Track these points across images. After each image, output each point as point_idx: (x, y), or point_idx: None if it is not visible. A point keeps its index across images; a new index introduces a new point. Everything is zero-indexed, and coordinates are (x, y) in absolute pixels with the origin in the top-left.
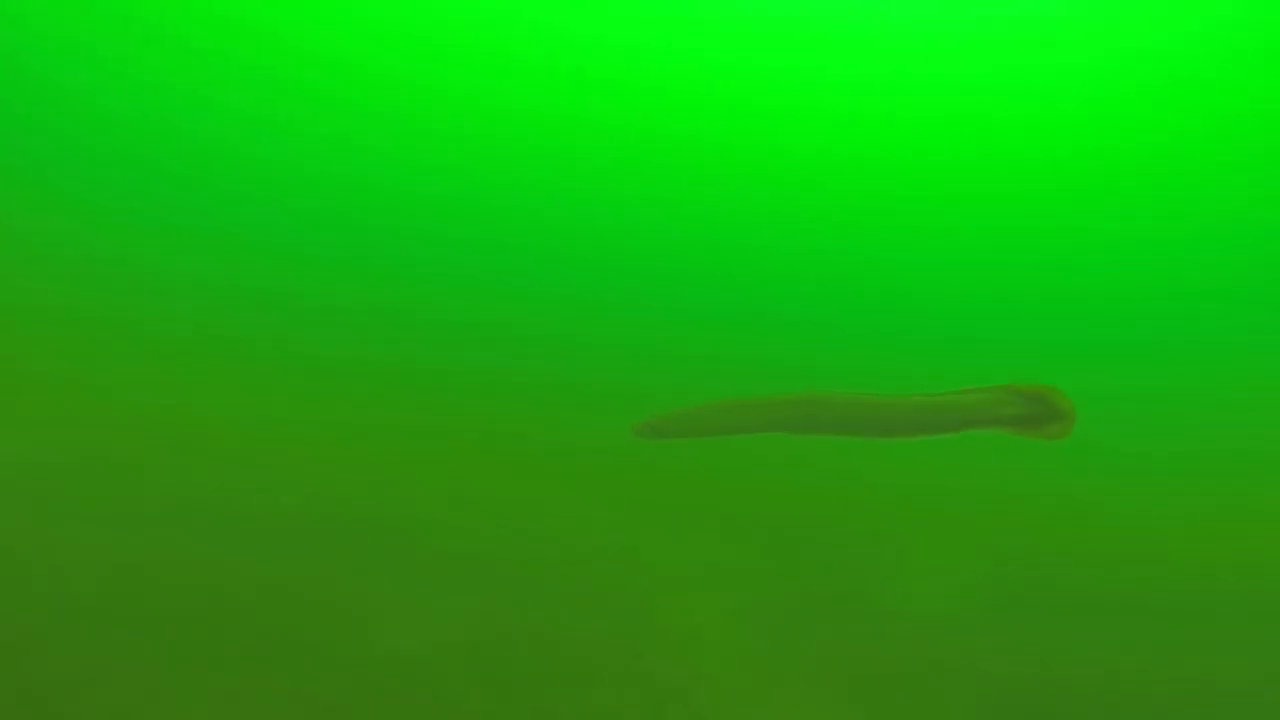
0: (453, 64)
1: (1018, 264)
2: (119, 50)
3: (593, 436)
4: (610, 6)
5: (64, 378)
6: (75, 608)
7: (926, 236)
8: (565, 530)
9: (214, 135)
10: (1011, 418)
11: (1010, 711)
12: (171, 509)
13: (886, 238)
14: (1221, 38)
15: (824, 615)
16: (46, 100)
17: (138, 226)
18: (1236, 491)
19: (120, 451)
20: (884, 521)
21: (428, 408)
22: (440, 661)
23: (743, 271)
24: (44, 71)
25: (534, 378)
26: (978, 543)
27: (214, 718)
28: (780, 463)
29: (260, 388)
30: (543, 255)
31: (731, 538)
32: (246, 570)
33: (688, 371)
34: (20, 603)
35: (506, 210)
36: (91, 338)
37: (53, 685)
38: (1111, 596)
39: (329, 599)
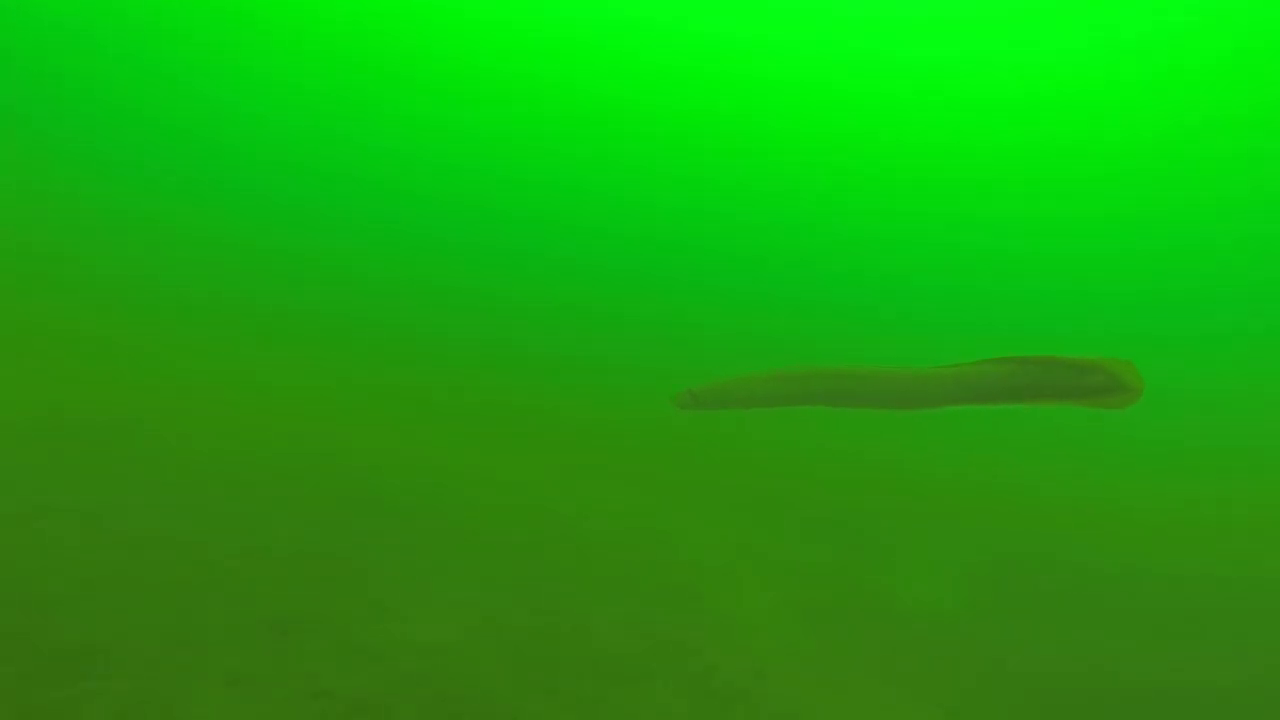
0: (489, 40)
1: (1037, 255)
2: (174, 26)
3: (625, 413)
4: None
5: (102, 337)
6: (94, 573)
7: (952, 227)
8: (603, 513)
9: (254, 107)
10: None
11: (1043, 701)
12: (203, 474)
13: (913, 226)
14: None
15: (868, 608)
16: (107, 73)
17: (177, 190)
18: (1241, 487)
19: (156, 413)
20: (910, 506)
21: (462, 383)
22: (472, 651)
23: (778, 252)
24: (111, 43)
25: (568, 353)
26: (994, 531)
27: (224, 704)
28: (808, 447)
29: (295, 358)
30: (586, 234)
31: (766, 524)
32: (268, 545)
33: (727, 351)
34: (39, 566)
35: (542, 187)
36: (137, 301)
37: (66, 652)
38: (1118, 593)
39: (356, 579)
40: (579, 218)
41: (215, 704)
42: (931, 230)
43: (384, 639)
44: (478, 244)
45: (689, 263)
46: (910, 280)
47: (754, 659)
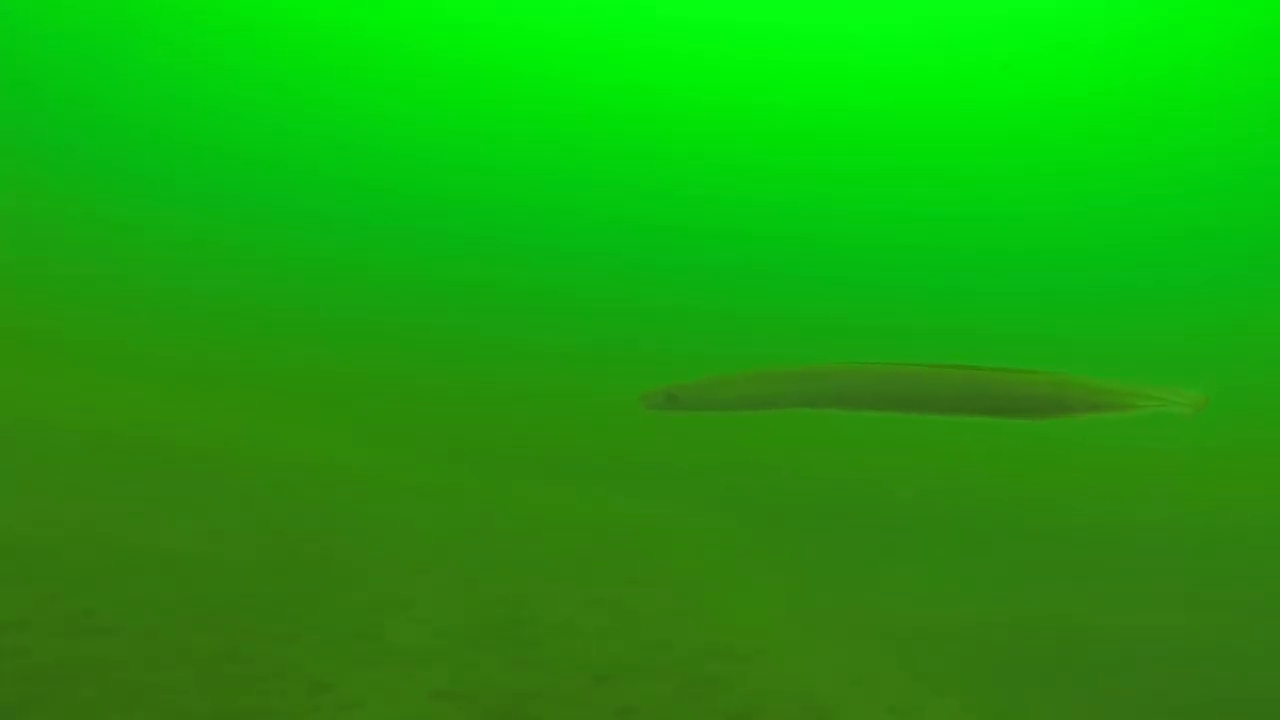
0: (487, 37)
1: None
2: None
3: (594, 404)
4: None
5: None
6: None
7: (938, 188)
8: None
9: (261, 117)
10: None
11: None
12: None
13: (905, 221)
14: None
15: (868, 617)
16: (125, 98)
17: (169, 198)
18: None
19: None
20: (897, 503)
21: (420, 370)
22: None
23: (761, 231)
24: (131, 69)
25: (539, 344)
26: (977, 530)
27: None
28: (795, 442)
29: (237, 346)
30: (564, 218)
31: (753, 524)
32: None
33: (706, 334)
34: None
35: (527, 176)
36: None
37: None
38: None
39: (285, 629)
40: (556, 203)
41: None
42: (925, 223)
43: None
44: (459, 234)
45: (682, 250)
46: (904, 275)
47: (773, 681)
